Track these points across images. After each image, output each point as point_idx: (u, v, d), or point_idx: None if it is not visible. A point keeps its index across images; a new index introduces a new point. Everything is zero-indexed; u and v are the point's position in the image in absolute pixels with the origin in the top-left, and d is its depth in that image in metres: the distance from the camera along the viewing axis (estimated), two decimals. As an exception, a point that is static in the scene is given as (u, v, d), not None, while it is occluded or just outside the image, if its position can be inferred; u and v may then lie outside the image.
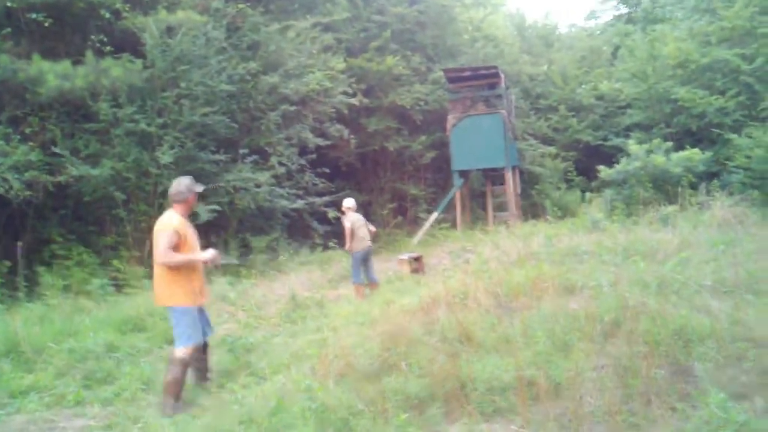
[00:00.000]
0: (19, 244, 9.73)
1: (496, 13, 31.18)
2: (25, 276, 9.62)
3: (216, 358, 7.35)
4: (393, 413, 4.35)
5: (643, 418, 4.05)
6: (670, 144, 16.46)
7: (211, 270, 11.23)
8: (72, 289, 10.34)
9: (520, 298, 6.93)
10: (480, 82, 20.72)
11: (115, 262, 11.45)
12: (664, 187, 15.12)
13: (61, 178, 11.66)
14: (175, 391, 5.68)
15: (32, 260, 10.55)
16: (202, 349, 6.14)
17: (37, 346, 7.34)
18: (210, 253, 5.93)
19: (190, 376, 6.02)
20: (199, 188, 6.19)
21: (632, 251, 9.03)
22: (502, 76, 20.24)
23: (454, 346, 5.60)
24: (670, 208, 12.72)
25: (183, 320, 5.80)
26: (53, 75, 11.48)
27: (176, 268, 5.77)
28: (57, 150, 11.82)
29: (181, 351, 5.75)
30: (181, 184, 6.06)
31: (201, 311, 6.09)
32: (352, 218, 11.02)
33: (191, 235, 6.00)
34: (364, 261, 10.98)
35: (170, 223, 5.81)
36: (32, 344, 7.30)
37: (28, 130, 11.87)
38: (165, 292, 5.83)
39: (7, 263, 10.15)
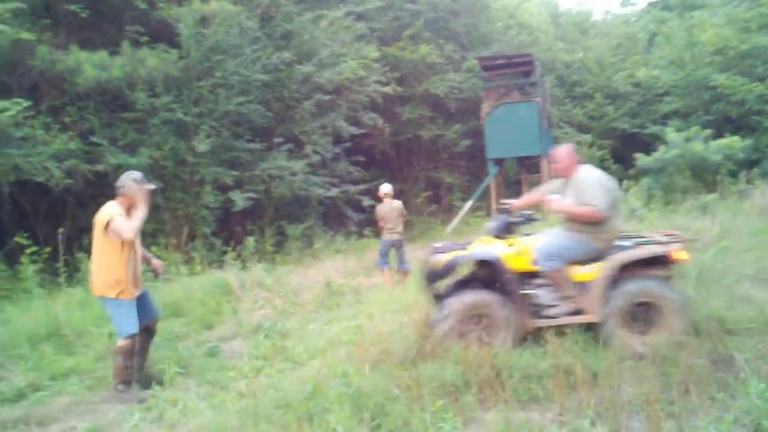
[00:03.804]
0: (60, 230, 9.87)
1: (529, 0, 30.85)
2: (66, 262, 9.76)
3: (252, 343, 7.46)
4: (429, 400, 4.35)
5: (681, 407, 3.99)
6: (708, 132, 16.13)
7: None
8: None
9: (556, 286, 6.87)
10: (514, 70, 20.44)
11: (153, 248, 11.58)
12: (702, 176, 14.85)
13: (100, 167, 11.82)
14: (121, 378, 5.77)
15: (72, 247, 10.72)
16: (146, 335, 6.09)
17: (78, 330, 7.51)
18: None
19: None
20: (149, 186, 5.99)
21: (671, 240, 8.90)
22: (537, 63, 19.97)
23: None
24: (710, 197, 12.52)
25: (117, 312, 5.79)
26: (91, 65, 11.63)
27: (113, 258, 5.72)
28: (95, 139, 12.00)
29: (120, 342, 5.77)
30: (124, 178, 5.95)
31: (143, 294, 6.06)
32: (382, 207, 10.94)
33: None
34: (393, 249, 10.90)
35: (111, 211, 5.73)
36: (73, 328, 7.47)
37: (67, 120, 12.06)
38: (98, 282, 5.79)
39: (48, 249, 10.34)
